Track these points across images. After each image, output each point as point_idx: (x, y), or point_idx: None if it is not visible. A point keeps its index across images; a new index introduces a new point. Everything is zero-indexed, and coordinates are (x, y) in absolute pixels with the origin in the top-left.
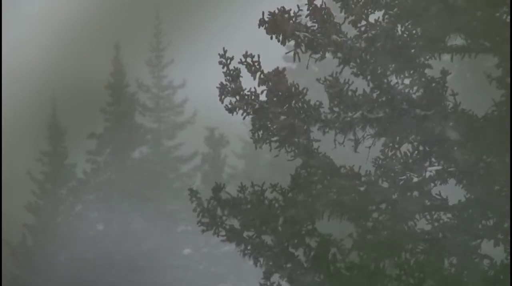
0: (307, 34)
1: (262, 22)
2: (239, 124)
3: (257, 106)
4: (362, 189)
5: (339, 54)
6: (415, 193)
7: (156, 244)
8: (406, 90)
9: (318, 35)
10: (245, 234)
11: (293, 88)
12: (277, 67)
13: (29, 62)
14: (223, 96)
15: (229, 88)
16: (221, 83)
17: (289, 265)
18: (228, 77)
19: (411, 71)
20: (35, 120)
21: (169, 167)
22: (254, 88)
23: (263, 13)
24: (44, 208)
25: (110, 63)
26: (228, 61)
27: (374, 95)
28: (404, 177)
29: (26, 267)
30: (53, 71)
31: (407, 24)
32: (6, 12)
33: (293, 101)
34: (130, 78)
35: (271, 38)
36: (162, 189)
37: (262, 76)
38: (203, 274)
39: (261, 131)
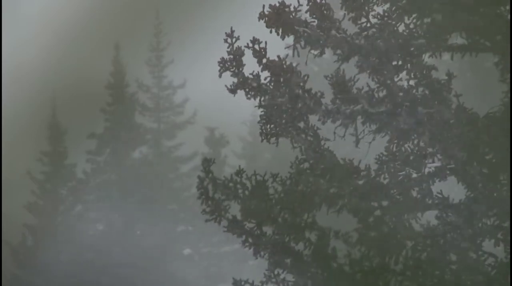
0: (306, 29)
1: (262, 16)
2: (239, 124)
3: (255, 84)
4: (360, 182)
5: (339, 51)
6: (415, 191)
7: (156, 244)
8: (411, 89)
9: (318, 30)
10: (246, 225)
11: (295, 74)
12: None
13: (29, 62)
14: (222, 71)
15: (229, 64)
16: (222, 58)
17: (289, 259)
18: (230, 56)
19: (417, 73)
20: (35, 120)
21: (169, 167)
22: (258, 72)
23: (263, 6)
24: (44, 208)
25: (110, 63)
26: (234, 40)
27: (378, 93)
28: (403, 172)
29: (26, 267)
30: (53, 71)
31: (412, 18)
32: (6, 12)
33: (294, 88)
34: (130, 78)
35: (270, 32)
36: (162, 189)
37: (267, 62)
38: (203, 274)
39: (271, 125)
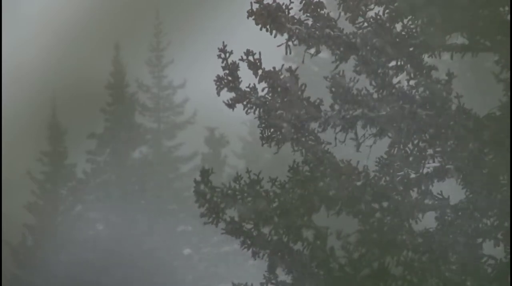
0: (299, 27)
1: (250, 13)
2: (239, 124)
3: (253, 99)
4: (359, 183)
5: (337, 51)
6: (415, 191)
7: (156, 244)
8: (410, 91)
9: (312, 29)
10: (244, 227)
11: (292, 84)
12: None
13: (29, 62)
14: (219, 89)
15: (226, 81)
16: (218, 76)
17: (288, 259)
18: (226, 71)
19: (417, 73)
20: (35, 120)
21: (169, 167)
22: (254, 84)
23: (251, 3)
24: (44, 208)
25: (110, 63)
26: (227, 55)
27: (376, 95)
28: (402, 173)
29: (26, 267)
30: (53, 71)
31: (406, 20)
32: (6, 12)
33: (292, 97)
34: (130, 78)
35: (261, 29)
36: (162, 189)
37: (262, 73)
38: (203, 274)
39: (271, 130)
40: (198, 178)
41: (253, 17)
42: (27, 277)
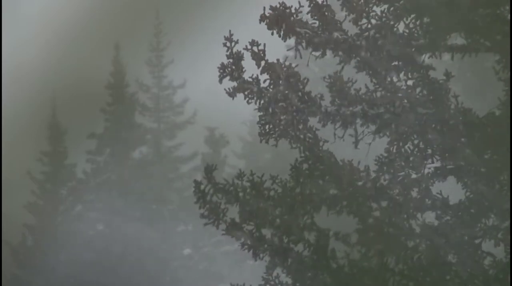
0: (308, 31)
1: (263, 18)
2: (239, 124)
3: (255, 89)
4: (360, 183)
5: (340, 52)
6: (415, 191)
7: (156, 244)
8: (409, 91)
9: (319, 32)
10: (245, 228)
11: (294, 77)
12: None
13: (29, 62)
14: (222, 77)
15: (230, 69)
16: (222, 64)
17: (289, 260)
18: (230, 60)
19: (414, 73)
20: (35, 120)
21: (169, 167)
22: (257, 75)
23: (264, 8)
24: (44, 208)
25: (110, 63)
26: (233, 44)
27: (376, 94)
28: (403, 173)
29: (26, 267)
30: (53, 71)
31: (409, 18)
32: (6, 12)
33: (293, 89)
34: (130, 78)
35: (272, 34)
36: (162, 189)
37: (265, 64)
38: (203, 274)
39: (269, 126)
40: (198, 179)
41: (265, 21)
42: (27, 277)
